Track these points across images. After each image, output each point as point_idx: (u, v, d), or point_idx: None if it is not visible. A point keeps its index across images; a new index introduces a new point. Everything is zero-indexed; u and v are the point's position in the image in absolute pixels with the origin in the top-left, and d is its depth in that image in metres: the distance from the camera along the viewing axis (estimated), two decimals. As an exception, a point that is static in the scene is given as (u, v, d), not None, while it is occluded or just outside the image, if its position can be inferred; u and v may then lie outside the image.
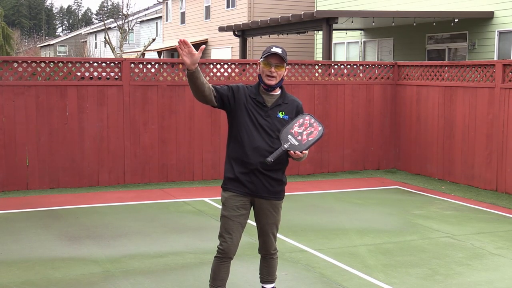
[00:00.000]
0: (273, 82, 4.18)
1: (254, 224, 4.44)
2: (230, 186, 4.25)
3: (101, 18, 48.29)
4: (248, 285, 5.18)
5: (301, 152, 4.08)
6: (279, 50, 4.14)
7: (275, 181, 4.24)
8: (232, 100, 4.21)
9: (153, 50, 31.24)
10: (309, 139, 4.12)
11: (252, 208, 4.34)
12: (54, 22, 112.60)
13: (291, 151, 4.07)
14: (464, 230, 7.23)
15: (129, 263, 5.77)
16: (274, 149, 4.14)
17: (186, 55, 3.90)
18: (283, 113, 4.23)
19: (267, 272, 4.53)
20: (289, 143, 4.10)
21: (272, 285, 4.56)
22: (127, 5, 43.44)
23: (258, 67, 4.25)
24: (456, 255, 6.20)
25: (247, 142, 4.17)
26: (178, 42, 3.91)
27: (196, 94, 4.10)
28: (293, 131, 4.13)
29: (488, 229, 7.28)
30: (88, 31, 55.20)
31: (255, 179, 4.18)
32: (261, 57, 4.20)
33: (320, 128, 4.14)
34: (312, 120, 4.17)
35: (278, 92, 4.28)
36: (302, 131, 4.12)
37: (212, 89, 4.15)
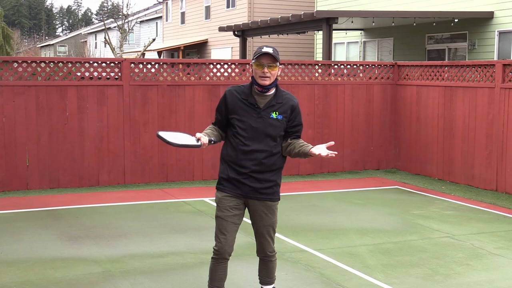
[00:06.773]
0: (267, 82, 4.14)
1: (253, 224, 4.44)
2: (223, 187, 4.27)
3: (101, 18, 48.28)
4: (248, 285, 5.18)
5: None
6: (270, 50, 4.11)
7: (268, 182, 4.22)
8: (227, 112, 4.28)
9: (153, 50, 31.24)
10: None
11: (247, 209, 4.34)
12: (54, 22, 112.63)
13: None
14: (464, 230, 7.23)
15: (129, 263, 5.77)
16: (269, 151, 4.17)
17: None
18: (277, 113, 4.20)
19: (266, 274, 4.52)
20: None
21: (272, 286, 4.56)
22: (127, 5, 43.54)
23: (251, 69, 4.24)
24: (456, 255, 6.20)
25: (241, 145, 4.19)
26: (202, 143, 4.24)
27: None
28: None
29: (488, 229, 7.28)
30: (88, 31, 55.22)
31: (247, 181, 4.19)
32: (253, 59, 4.18)
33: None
34: None
35: (272, 92, 4.24)
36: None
37: (216, 129, 4.39)
